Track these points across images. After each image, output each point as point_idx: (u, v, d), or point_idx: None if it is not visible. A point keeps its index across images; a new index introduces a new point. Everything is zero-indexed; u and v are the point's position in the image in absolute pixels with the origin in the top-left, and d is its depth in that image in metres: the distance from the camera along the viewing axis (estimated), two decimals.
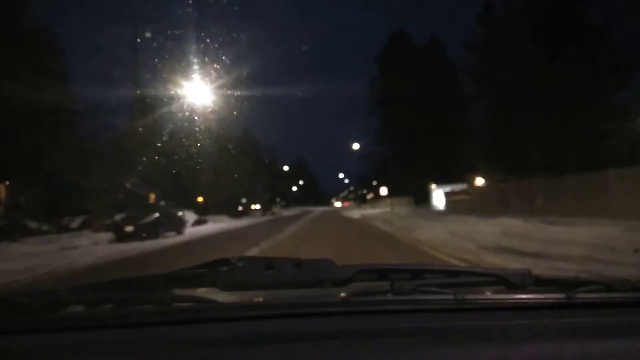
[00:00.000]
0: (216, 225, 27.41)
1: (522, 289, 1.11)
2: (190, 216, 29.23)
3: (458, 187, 33.16)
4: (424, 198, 42.26)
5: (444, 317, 1.00)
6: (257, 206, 57.84)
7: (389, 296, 1.06)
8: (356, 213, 40.87)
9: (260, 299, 1.18)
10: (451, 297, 1.05)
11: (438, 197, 34.77)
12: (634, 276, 1.25)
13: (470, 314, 1.04)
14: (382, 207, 51.85)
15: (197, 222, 28.45)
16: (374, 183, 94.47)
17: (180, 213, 22.47)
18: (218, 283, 1.12)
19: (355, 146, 46.35)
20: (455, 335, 0.91)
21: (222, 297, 1.13)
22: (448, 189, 32.88)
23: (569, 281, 1.20)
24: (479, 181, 30.89)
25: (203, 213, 38.23)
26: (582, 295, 1.08)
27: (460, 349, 0.85)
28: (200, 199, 47.58)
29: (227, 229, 23.32)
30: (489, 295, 1.15)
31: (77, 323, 1.02)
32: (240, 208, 63.28)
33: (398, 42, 56.07)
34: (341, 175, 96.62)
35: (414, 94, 49.93)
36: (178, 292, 1.13)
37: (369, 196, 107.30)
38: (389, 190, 50.89)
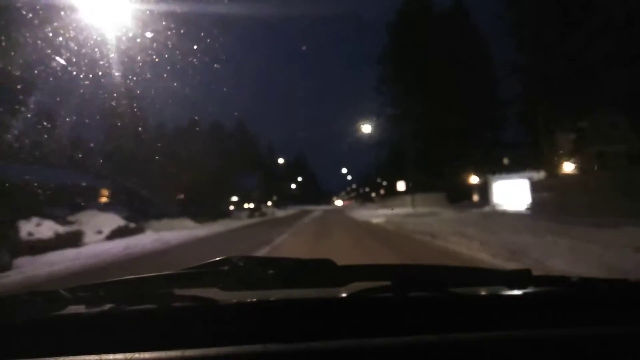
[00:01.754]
0: (144, 238, 15.63)
1: (522, 288, 1.08)
2: (110, 222, 17.55)
3: (522, 176, 21.54)
4: (461, 194, 30.34)
5: (444, 316, 0.98)
6: (252, 205, 46.48)
7: (389, 295, 1.03)
8: (371, 215, 28.96)
9: (260, 299, 1.11)
10: (452, 296, 1.03)
11: (507, 191, 22.61)
12: (633, 276, 1.18)
13: (471, 313, 1.00)
14: (401, 207, 40.08)
15: (119, 233, 16.73)
16: (378, 180, 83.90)
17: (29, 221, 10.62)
18: (218, 283, 1.08)
19: (366, 129, 34.42)
20: (455, 334, 0.88)
21: (222, 296, 1.07)
22: (518, 179, 21.17)
23: (569, 281, 1.15)
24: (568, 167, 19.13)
25: (156, 215, 26.70)
26: (582, 295, 1.07)
27: (460, 347, 0.84)
28: (181, 196, 36.35)
29: (132, 253, 11.46)
30: (489, 294, 1.11)
31: (77, 323, 0.99)
32: (231, 207, 52.23)
33: (415, 6, 44.50)
34: (344, 170, 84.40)
35: (435, 67, 38.88)
36: (178, 291, 1.08)
37: (374, 194, 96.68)
38: (406, 186, 39.27)
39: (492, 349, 0.84)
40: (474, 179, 29.55)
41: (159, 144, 29.76)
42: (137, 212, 31.31)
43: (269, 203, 70.17)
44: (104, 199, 39.19)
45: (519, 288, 1.08)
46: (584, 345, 0.86)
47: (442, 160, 35.94)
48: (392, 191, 54.62)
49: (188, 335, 0.92)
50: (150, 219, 26.37)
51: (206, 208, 36.44)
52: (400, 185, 38.95)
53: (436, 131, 37.97)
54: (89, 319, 1.01)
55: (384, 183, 75.09)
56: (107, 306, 1.04)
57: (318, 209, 61.06)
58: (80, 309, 1.05)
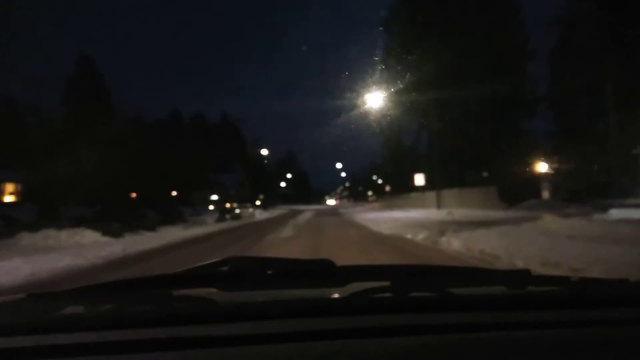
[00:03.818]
0: None
1: (522, 288, 1.04)
2: None
3: None
4: (522, 190, 19.57)
5: (444, 316, 0.95)
6: (231, 205, 35.71)
7: (388, 295, 1.01)
8: (389, 221, 18.06)
9: (260, 299, 1.07)
10: (451, 296, 1.01)
11: None
12: (633, 275, 1.15)
13: (470, 313, 0.97)
14: (416, 207, 29.36)
15: None
16: (374, 178, 73.53)
17: None
18: (217, 283, 1.06)
19: (376, 100, 23.06)
20: (455, 334, 0.86)
21: (222, 297, 1.04)
22: None
23: (568, 280, 1.12)
24: None
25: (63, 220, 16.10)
26: (582, 295, 1.04)
27: (460, 348, 0.81)
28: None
29: None
30: (489, 294, 1.07)
31: (77, 323, 0.95)
32: (211, 207, 41.59)
33: None
34: (339, 165, 72.64)
35: (456, 32, 28.96)
36: (178, 292, 1.05)
37: (370, 192, 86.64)
38: (424, 181, 28.69)
39: (492, 350, 0.81)
40: (542, 167, 18.88)
41: (89, 131, 19.32)
42: (45, 215, 20.81)
43: (257, 202, 59.71)
44: (9, 197, 28.30)
45: (518, 288, 1.04)
46: (584, 345, 0.83)
47: (481, 145, 25.42)
48: (400, 188, 44.16)
49: (187, 336, 0.88)
50: (43, 226, 15.63)
51: (157, 209, 25.73)
52: (419, 179, 28.29)
53: (465, 109, 27.60)
54: (88, 320, 0.97)
55: (380, 181, 65.45)
56: (106, 307, 1.00)
57: (309, 209, 50.21)
58: (79, 309, 1.02)
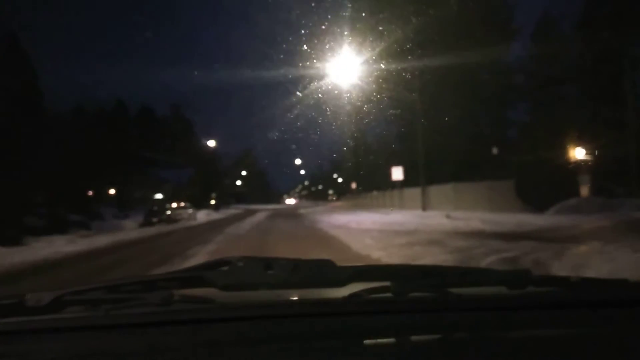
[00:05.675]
0: None
1: (522, 288, 1.02)
2: None
3: None
4: (549, 187, 13.83)
5: (444, 317, 0.94)
6: (178, 204, 28.56)
7: (389, 296, 0.98)
8: (396, 233, 11.90)
9: (260, 299, 1.06)
10: (451, 296, 0.98)
11: None
12: (632, 276, 1.12)
13: (471, 314, 0.95)
14: (399, 208, 23.50)
15: None
16: (335, 176, 68.20)
17: None
18: (218, 283, 1.04)
19: (339, 82, 16.72)
20: (455, 334, 0.86)
21: (222, 297, 1.02)
22: None
23: (567, 281, 1.09)
24: None
25: None
26: (582, 295, 1.02)
27: (460, 347, 0.81)
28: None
29: None
30: (489, 295, 1.05)
31: (77, 323, 0.94)
32: (155, 208, 34.60)
33: None
34: (298, 162, 65.82)
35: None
36: (178, 292, 1.02)
37: (331, 191, 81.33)
38: (401, 177, 22.92)
39: (491, 350, 0.80)
40: (579, 153, 13.26)
41: None
42: None
43: (212, 202, 52.79)
44: None
45: (518, 288, 1.02)
46: (584, 345, 0.82)
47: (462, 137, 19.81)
48: (366, 186, 38.46)
49: (187, 336, 0.87)
50: None
51: (54, 212, 18.59)
52: (397, 173, 22.36)
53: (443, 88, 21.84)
54: (88, 320, 0.95)
55: (340, 179, 60.45)
56: (107, 307, 0.97)
57: (265, 209, 43.63)
58: (80, 309, 1.00)
